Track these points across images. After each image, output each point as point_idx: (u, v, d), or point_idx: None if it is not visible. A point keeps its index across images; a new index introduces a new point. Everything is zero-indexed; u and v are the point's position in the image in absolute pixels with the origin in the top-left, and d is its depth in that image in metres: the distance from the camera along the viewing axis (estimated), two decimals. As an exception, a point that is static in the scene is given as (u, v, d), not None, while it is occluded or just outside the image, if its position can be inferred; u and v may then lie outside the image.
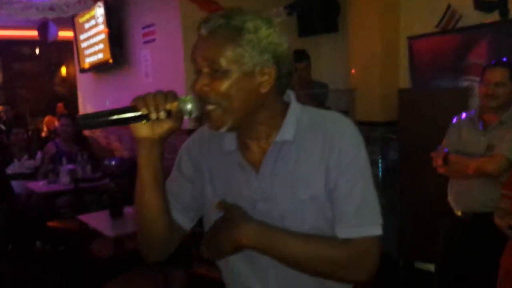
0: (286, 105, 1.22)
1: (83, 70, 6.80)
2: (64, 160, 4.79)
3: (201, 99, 1.12)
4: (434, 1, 3.89)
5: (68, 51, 7.85)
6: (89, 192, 4.51)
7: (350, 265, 1.12)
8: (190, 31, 4.42)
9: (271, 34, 1.12)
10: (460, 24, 3.73)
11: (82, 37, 6.52)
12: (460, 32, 3.75)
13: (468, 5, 3.61)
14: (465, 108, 3.03)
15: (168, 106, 1.09)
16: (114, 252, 3.17)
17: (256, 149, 1.22)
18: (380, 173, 4.29)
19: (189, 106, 1.11)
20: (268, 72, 1.12)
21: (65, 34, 7.06)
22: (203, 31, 1.12)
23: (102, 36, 5.79)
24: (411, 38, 4.15)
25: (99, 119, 1.06)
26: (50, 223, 4.19)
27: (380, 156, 4.30)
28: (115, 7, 5.61)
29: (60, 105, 9.01)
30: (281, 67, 1.14)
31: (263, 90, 1.13)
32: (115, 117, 1.06)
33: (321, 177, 1.15)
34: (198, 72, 1.13)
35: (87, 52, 6.41)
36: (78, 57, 6.89)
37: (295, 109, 1.21)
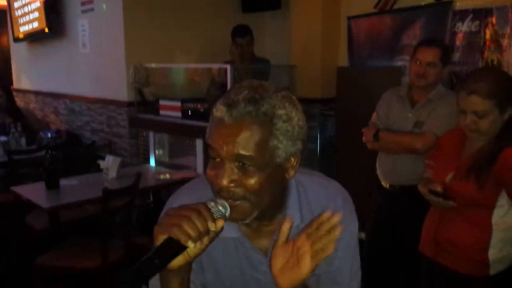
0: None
1: (17, 40, 6.49)
2: (-4, 132, 4.61)
3: (225, 195, 0.99)
4: (373, -18, 4.01)
5: (1, 20, 7.44)
6: (24, 165, 4.37)
7: None
8: (130, 1, 4.35)
9: (300, 118, 1.01)
10: (397, 6, 3.87)
11: (16, 4, 6.22)
12: (397, 13, 3.89)
13: (405, -13, 3.75)
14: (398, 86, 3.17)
15: (212, 227, 0.92)
16: (49, 224, 3.11)
17: (263, 233, 1.13)
18: (318, 148, 4.43)
19: (223, 210, 0.97)
20: (295, 158, 1.03)
21: (-2, 1, 6.70)
22: (226, 117, 0.96)
23: (37, 4, 5.54)
24: (350, 18, 4.27)
25: (146, 275, 0.85)
26: (-19, 197, 4.03)
27: (318, 132, 4.43)
28: (51, -27, 5.37)
29: (-8, 77, 8.56)
30: (304, 148, 1.04)
31: (289, 176, 1.04)
32: (161, 262, 0.87)
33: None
34: (219, 161, 0.98)
35: (22, 20, 6.12)
36: (12, 26, 6.56)
37: (293, 188, 1.14)
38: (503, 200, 1.86)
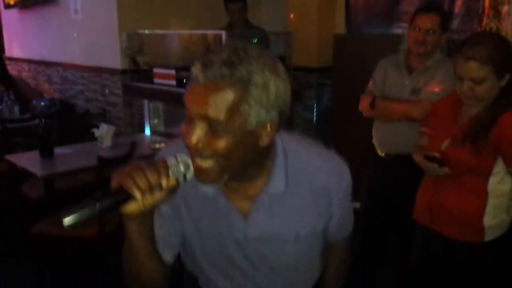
0: (272, 147, 1.13)
1: (8, 6, 6.37)
2: (-12, 100, 4.56)
3: (193, 153, 0.99)
4: None
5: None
6: (18, 134, 4.33)
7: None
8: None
9: (279, 87, 0.99)
10: (396, -28, 3.80)
11: (5, -31, 6.07)
12: (395, -21, 3.82)
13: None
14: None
15: (164, 183, 0.95)
16: (44, 192, 3.11)
17: (242, 194, 1.15)
18: (315, 118, 4.41)
19: (182, 169, 0.98)
20: (271, 126, 1.02)
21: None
22: (201, 77, 0.96)
23: (28, -32, 5.42)
24: (347, -16, 4.19)
25: (85, 212, 0.89)
26: (-25, 165, 4.01)
27: (315, 101, 4.40)
28: None
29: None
30: (282, 116, 1.03)
31: (263, 144, 1.03)
32: (104, 205, 0.90)
33: (314, 220, 1.21)
34: (191, 120, 0.98)
35: (12, -15, 5.99)
36: (1, -9, 6.44)
37: (280, 155, 1.14)
38: (499, 167, 1.85)
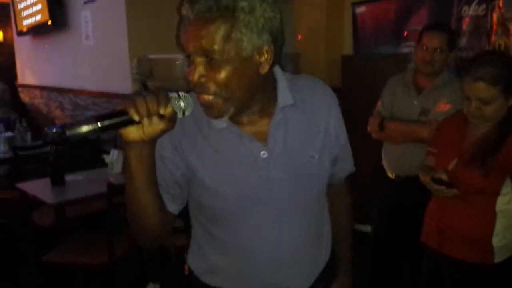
0: (272, 74, 1.18)
1: (21, 33, 6.47)
2: (1, 128, 4.60)
3: (198, 90, 1.05)
4: (378, -32, 3.94)
5: (5, 14, 7.42)
6: (30, 161, 4.37)
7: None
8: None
9: (266, 9, 1.03)
10: (402, -9, 3.80)
11: (18, -3, 6.20)
12: (401, -1, 3.82)
13: (410, -28, 3.67)
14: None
15: (161, 111, 0.99)
16: (55, 220, 3.11)
17: (251, 121, 1.17)
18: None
19: (182, 105, 1.02)
20: (267, 51, 1.06)
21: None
22: (190, 14, 1.02)
23: (40, -4, 5.51)
24: (355, 4, 4.19)
25: (86, 127, 0.93)
26: (-13, 193, 4.04)
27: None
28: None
29: (-3, 72, 8.57)
30: (277, 42, 1.08)
31: (263, 71, 1.07)
32: (104, 123, 0.95)
33: (323, 138, 1.25)
34: (191, 61, 1.04)
35: (25, 13, 6.08)
36: (15, 20, 6.54)
37: (282, 76, 1.20)
38: (507, 187, 1.83)
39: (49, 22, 5.42)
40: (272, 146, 1.17)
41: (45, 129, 0.92)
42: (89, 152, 4.39)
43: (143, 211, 1.11)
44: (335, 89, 1.34)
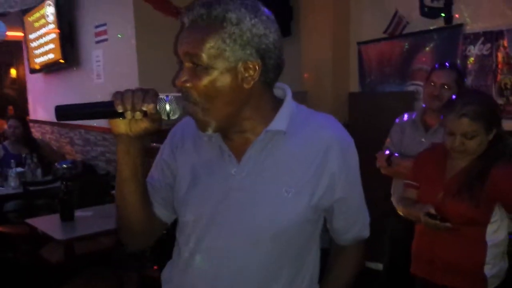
0: (278, 100, 1.17)
1: (33, 71, 6.62)
2: (12, 163, 4.65)
3: (183, 97, 1.07)
4: (383, 8, 4.02)
5: (17, 52, 7.61)
6: (40, 196, 4.39)
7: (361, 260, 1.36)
8: (143, 31, 4.41)
9: (256, 25, 1.04)
10: (407, 30, 3.88)
11: (31, 36, 6.35)
12: (407, 38, 3.89)
13: (415, 12, 3.75)
14: (410, 111, 3.15)
15: (144, 107, 1.03)
16: (64, 256, 3.12)
17: (239, 140, 1.15)
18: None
19: (168, 108, 1.05)
20: (252, 67, 1.06)
21: (14, 34, 6.86)
22: (186, 21, 1.07)
23: (53, 36, 5.66)
24: (360, 43, 4.28)
25: (77, 110, 1.06)
26: (-2, 229, 4.06)
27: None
28: (66, 5, 5.48)
29: (10, 108, 8.71)
30: (266, 61, 1.07)
31: (247, 86, 1.07)
32: (92, 110, 1.06)
33: (317, 179, 1.13)
34: (181, 65, 1.09)
35: (37, 52, 6.25)
36: (28, 58, 6.70)
37: (290, 104, 1.17)
38: (496, 216, 1.92)
39: (61, 61, 5.56)
40: (243, 165, 1.13)
41: None
42: (98, 187, 4.42)
43: (126, 202, 1.16)
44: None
